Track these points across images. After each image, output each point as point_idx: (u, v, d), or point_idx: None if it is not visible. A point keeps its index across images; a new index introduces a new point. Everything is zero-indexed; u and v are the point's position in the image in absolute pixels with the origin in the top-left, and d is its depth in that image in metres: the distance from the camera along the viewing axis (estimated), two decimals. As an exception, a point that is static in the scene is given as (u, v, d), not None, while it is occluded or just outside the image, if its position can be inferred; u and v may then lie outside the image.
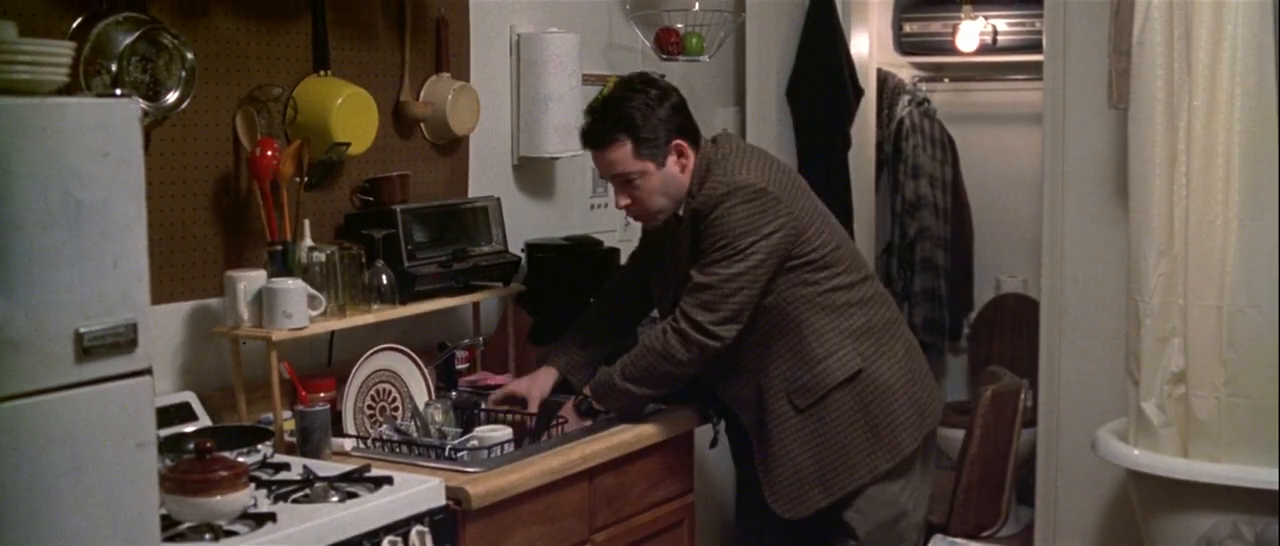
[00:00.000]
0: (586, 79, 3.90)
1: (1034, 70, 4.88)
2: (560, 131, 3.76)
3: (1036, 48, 4.82)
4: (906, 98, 5.58)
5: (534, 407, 3.20)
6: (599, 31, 4.05)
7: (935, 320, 5.71)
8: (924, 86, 5.74)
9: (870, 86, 5.27)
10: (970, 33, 5.55)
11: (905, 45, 5.75)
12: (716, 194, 3.04)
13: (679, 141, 3.11)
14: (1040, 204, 4.50)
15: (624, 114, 3.07)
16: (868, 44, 5.25)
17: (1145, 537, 4.01)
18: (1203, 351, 3.79)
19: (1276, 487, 3.70)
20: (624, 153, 3.06)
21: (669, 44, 4.05)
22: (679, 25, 4.07)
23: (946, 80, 5.84)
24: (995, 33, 5.57)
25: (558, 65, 3.75)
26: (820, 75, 4.72)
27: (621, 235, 4.07)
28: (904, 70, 5.77)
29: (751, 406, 3.19)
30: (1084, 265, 4.40)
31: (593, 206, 4.06)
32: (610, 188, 3.21)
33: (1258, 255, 3.73)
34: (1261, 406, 3.74)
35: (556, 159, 3.85)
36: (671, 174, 3.10)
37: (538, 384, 3.25)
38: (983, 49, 5.59)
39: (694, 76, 4.36)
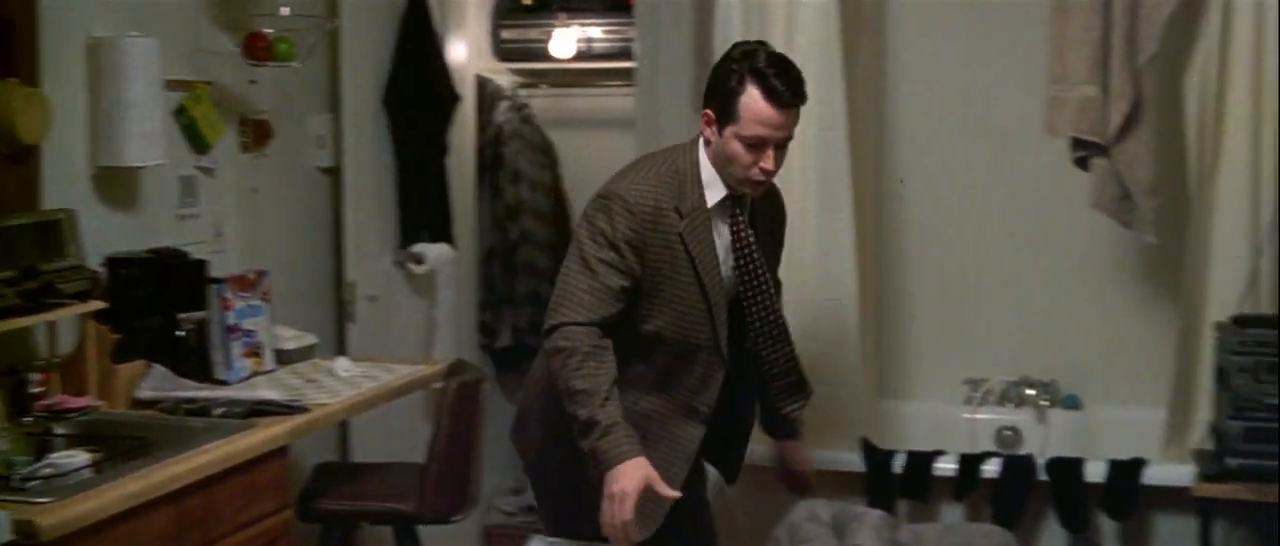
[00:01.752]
0: (170, 85, 3.75)
1: (628, 77, 5.01)
2: (142, 139, 3.58)
3: (630, 55, 4.95)
4: (505, 103, 5.62)
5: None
6: (183, 36, 3.88)
7: (539, 323, 5.75)
8: (523, 92, 5.80)
9: (469, 93, 5.29)
10: (566, 40, 5.65)
11: (504, 51, 5.80)
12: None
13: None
14: (635, 206, 4.62)
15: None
16: (466, 50, 5.26)
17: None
18: (786, 344, 3.99)
19: (856, 470, 3.94)
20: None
21: (257, 49, 3.94)
22: (268, 30, 3.96)
23: (545, 86, 5.91)
24: (590, 41, 5.69)
25: (138, 71, 3.57)
26: (417, 81, 4.71)
27: (211, 246, 3.93)
28: (503, 76, 5.81)
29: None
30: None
31: (180, 217, 3.89)
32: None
33: (835, 250, 3.96)
34: (842, 394, 3.98)
35: (139, 168, 3.67)
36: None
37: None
38: (579, 56, 5.70)
39: (286, 83, 4.26)
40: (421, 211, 4.79)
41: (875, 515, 2.97)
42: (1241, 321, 3.36)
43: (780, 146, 2.91)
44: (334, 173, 4.57)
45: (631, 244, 2.91)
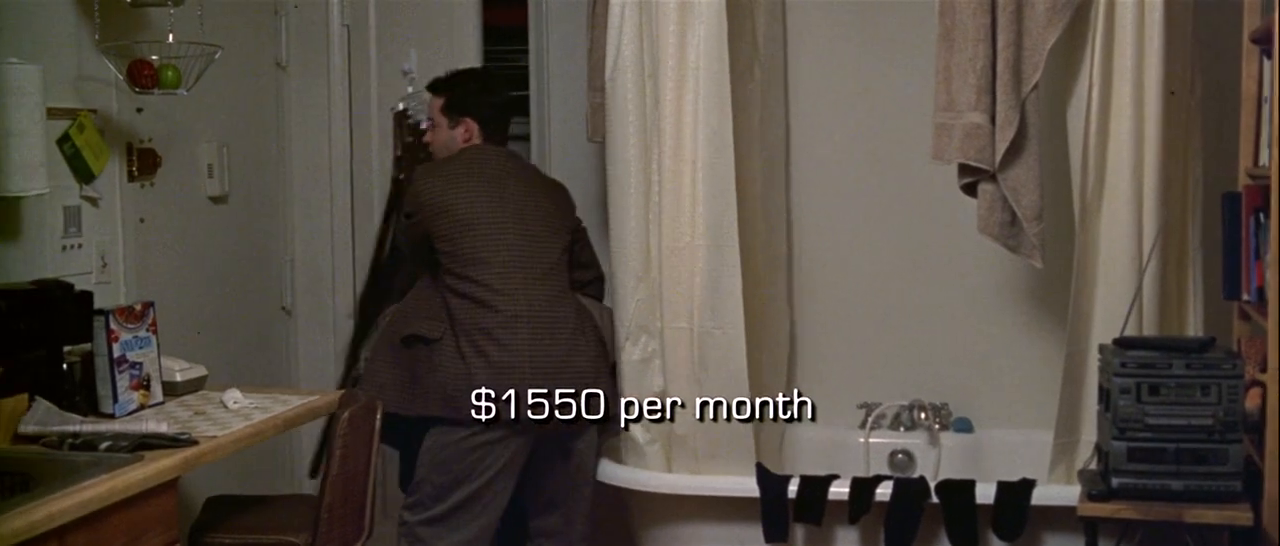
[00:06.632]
0: (53, 113, 3.67)
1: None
2: (25, 168, 3.50)
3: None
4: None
5: None
6: (67, 63, 3.82)
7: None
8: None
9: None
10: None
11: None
12: None
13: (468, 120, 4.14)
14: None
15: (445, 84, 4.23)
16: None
17: (637, 550, 4.19)
18: (678, 371, 4.00)
19: (751, 495, 3.96)
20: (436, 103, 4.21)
21: (143, 77, 3.87)
22: (154, 57, 3.89)
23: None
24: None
25: (20, 98, 3.49)
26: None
27: (97, 277, 3.86)
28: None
29: None
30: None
31: (64, 247, 3.82)
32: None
33: (721, 279, 3.98)
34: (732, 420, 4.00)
35: (21, 198, 3.60)
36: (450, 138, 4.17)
37: None
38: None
39: (174, 110, 4.20)
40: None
41: None
42: (1124, 343, 3.43)
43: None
44: (225, 201, 4.51)
45: None
